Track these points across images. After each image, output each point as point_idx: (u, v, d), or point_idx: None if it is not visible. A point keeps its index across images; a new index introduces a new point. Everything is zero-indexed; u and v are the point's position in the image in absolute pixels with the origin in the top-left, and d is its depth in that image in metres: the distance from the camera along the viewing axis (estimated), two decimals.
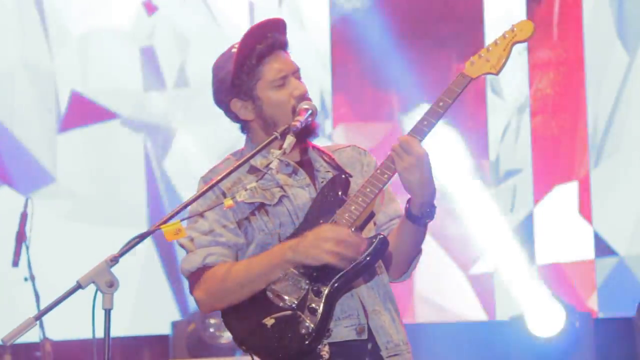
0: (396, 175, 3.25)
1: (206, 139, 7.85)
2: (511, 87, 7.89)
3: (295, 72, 3.36)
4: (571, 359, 6.98)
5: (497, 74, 3.29)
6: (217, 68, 3.39)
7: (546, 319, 6.96)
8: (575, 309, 7.03)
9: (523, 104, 7.90)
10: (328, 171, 3.39)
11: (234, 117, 3.42)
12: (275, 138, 3.25)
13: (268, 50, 3.33)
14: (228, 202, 3.14)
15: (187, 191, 7.17)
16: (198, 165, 7.50)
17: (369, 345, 3.27)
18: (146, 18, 8.03)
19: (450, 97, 3.25)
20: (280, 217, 3.30)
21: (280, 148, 3.20)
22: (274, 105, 3.33)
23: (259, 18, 7.41)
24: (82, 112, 7.80)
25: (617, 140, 7.53)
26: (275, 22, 3.39)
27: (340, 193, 3.29)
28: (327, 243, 3.15)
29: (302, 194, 3.33)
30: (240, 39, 3.34)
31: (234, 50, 3.35)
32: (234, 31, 7.60)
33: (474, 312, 7.55)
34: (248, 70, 3.33)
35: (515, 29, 3.31)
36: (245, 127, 3.43)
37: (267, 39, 3.34)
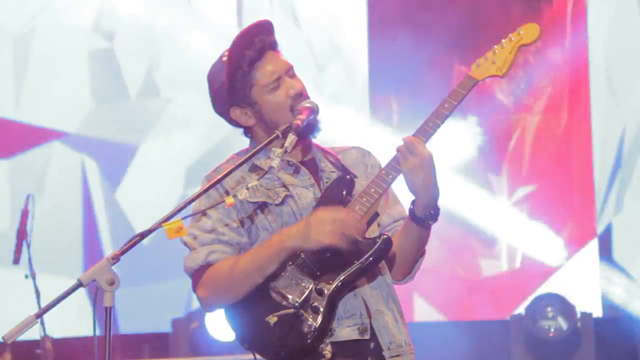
0: (401, 176, 3.25)
1: (175, 157, 7.26)
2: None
3: (289, 71, 3.37)
4: (572, 358, 6.97)
5: (503, 76, 3.30)
6: (211, 78, 3.41)
7: (548, 318, 6.95)
8: (575, 308, 7.03)
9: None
10: (333, 171, 3.39)
11: (236, 124, 3.42)
12: (277, 137, 3.25)
13: (258, 54, 3.34)
14: (229, 200, 3.14)
15: (143, 224, 6.78)
16: (160, 194, 7.08)
17: (372, 345, 3.27)
18: (107, 15, 7.44)
19: (456, 99, 3.26)
20: (284, 216, 3.30)
21: (282, 147, 3.20)
22: (272, 107, 3.34)
23: (247, 16, 7.32)
24: (10, 137, 7.00)
25: None
26: (262, 24, 3.39)
27: (344, 193, 3.29)
28: (326, 225, 3.16)
29: (306, 194, 3.33)
30: (229, 47, 3.35)
31: (225, 58, 3.35)
32: (220, 32, 7.38)
33: (476, 311, 7.53)
34: (241, 78, 3.34)
35: (521, 31, 3.32)
36: (248, 132, 3.43)
37: (255, 43, 3.34)
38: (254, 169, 3.35)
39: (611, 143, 7.66)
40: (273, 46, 3.38)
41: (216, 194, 3.31)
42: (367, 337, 3.26)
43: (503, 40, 3.32)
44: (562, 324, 6.94)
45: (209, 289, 3.27)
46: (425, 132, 3.25)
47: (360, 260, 3.21)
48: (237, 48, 3.33)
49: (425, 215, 3.28)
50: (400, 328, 3.33)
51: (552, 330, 6.94)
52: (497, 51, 3.31)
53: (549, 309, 6.98)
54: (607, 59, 7.71)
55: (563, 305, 6.97)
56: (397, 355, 3.30)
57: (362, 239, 3.23)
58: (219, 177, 3.22)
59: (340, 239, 3.17)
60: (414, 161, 3.21)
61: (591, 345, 6.97)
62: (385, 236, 3.24)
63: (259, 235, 3.30)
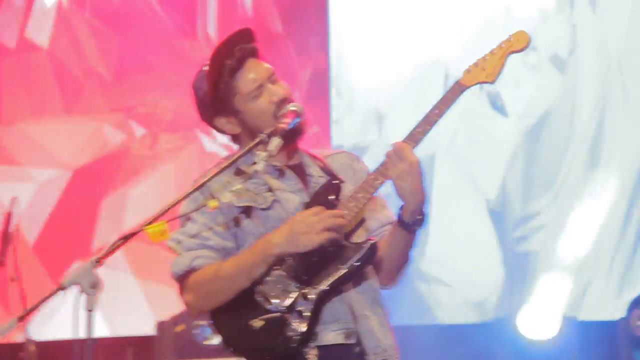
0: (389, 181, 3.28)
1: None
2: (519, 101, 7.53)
3: (271, 77, 3.38)
4: None
5: (492, 82, 3.33)
6: (195, 88, 3.42)
7: (539, 322, 6.96)
8: (560, 311, 7.03)
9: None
10: (321, 176, 3.40)
11: (222, 132, 3.44)
12: (262, 141, 3.25)
13: (238, 63, 3.35)
14: (212, 203, 3.15)
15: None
16: None
17: (357, 350, 3.27)
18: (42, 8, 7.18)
19: (445, 105, 3.29)
20: (270, 221, 3.30)
21: (266, 151, 3.20)
22: (256, 115, 3.35)
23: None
24: None
25: None
26: (241, 32, 3.40)
27: (332, 198, 3.30)
28: (314, 226, 3.18)
29: (293, 199, 3.34)
30: (210, 57, 3.37)
31: (206, 68, 3.37)
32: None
33: (463, 313, 7.50)
34: (223, 88, 3.35)
35: (512, 38, 3.36)
36: (235, 139, 3.44)
37: (235, 51, 3.35)
38: (240, 173, 3.34)
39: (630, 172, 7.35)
40: (254, 53, 3.38)
41: (201, 197, 3.30)
42: (352, 341, 3.26)
43: (494, 47, 3.36)
44: (555, 328, 6.94)
45: (194, 293, 3.27)
46: (415, 137, 3.27)
47: (347, 265, 3.22)
48: (218, 57, 3.35)
49: (412, 220, 3.29)
50: (386, 333, 3.34)
51: (544, 334, 6.94)
52: (487, 58, 3.35)
53: (541, 311, 6.98)
54: (623, 71, 7.34)
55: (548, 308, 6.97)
56: None
57: (348, 243, 3.24)
58: (203, 180, 3.22)
59: (328, 235, 3.18)
60: (402, 167, 3.23)
61: (575, 349, 6.98)
62: (371, 241, 3.25)
63: (245, 240, 3.30)
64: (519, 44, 3.34)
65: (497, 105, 7.35)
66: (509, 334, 6.99)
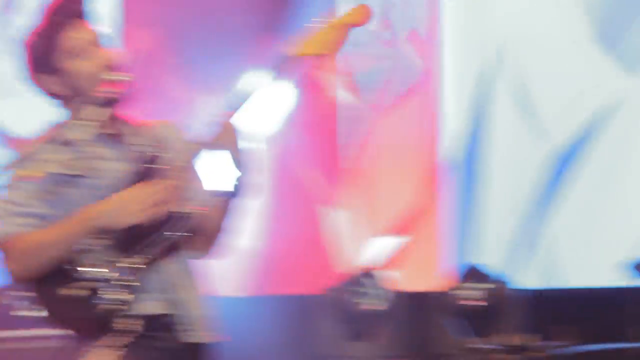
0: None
1: None
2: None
3: (95, 41, 3.36)
4: (384, 333, 7.08)
5: (329, 53, 3.29)
6: (23, 45, 3.38)
7: (363, 293, 7.05)
8: (391, 284, 7.13)
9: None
10: (144, 145, 3.40)
11: (48, 94, 3.39)
12: (83, 108, 3.25)
13: (63, 20, 3.33)
14: (37, 173, 3.14)
15: None
16: None
17: (174, 319, 3.32)
18: None
19: (279, 75, 3.29)
20: (94, 189, 3.29)
21: (86, 119, 3.20)
22: (77, 76, 3.33)
23: None
24: None
25: None
26: None
27: (154, 168, 3.30)
28: (134, 204, 3.20)
29: (116, 167, 3.34)
30: (38, 14, 3.35)
31: (33, 26, 3.35)
32: None
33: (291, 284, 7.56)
34: (46, 43, 3.33)
35: (350, 11, 3.33)
36: (60, 102, 3.40)
37: (63, 10, 3.34)
38: (65, 142, 3.33)
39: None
40: (80, 15, 3.37)
41: (26, 166, 3.28)
42: (169, 311, 3.32)
43: (328, 19, 3.32)
44: (377, 299, 7.02)
45: (16, 261, 3.25)
46: (234, 106, 3.31)
47: (166, 235, 3.26)
48: (46, 13, 3.33)
49: (232, 190, 3.37)
50: (202, 303, 3.40)
51: (366, 305, 7.03)
52: (320, 29, 3.31)
53: (364, 284, 7.06)
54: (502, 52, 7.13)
55: (378, 281, 7.06)
56: (198, 330, 3.36)
57: (169, 213, 3.27)
58: (28, 149, 3.22)
59: (151, 213, 3.21)
60: (224, 137, 3.30)
61: (403, 321, 7.09)
62: (187, 211, 3.30)
63: (70, 209, 3.27)
64: (358, 18, 3.32)
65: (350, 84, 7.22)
66: (339, 305, 7.07)
